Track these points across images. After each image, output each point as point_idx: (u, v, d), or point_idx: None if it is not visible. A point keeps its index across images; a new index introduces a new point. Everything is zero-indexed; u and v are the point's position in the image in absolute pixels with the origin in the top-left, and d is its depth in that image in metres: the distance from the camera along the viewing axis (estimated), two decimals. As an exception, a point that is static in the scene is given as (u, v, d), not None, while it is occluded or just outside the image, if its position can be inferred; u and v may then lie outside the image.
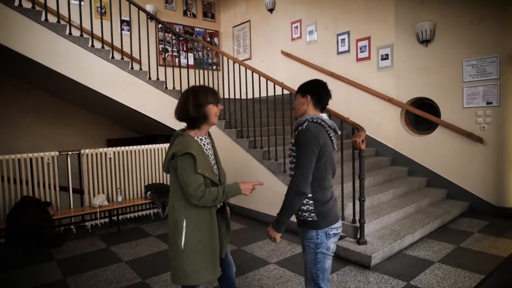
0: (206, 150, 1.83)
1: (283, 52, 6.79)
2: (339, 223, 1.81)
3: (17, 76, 5.73)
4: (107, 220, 4.48)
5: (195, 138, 1.81)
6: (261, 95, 4.58)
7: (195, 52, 7.48)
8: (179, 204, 1.76)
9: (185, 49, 7.23)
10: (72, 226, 4.27)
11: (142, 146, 4.81)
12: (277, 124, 4.31)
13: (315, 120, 1.75)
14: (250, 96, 4.77)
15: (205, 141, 1.86)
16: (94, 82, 4.46)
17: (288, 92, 4.14)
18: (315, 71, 6.10)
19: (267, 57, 7.18)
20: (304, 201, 1.75)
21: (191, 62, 7.04)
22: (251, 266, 3.19)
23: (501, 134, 4.26)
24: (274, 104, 4.40)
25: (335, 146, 1.83)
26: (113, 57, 4.67)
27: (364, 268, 3.06)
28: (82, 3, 4.64)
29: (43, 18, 4.10)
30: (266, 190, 3.93)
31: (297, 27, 6.57)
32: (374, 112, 5.42)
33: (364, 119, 4.92)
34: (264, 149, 4.43)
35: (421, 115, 4.92)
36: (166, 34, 7.22)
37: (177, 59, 6.57)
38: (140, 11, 5.01)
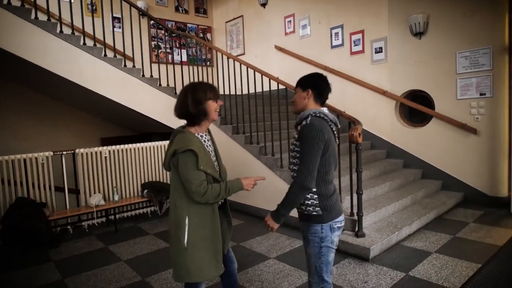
0: (207, 146, 1.82)
1: (276, 47, 6.77)
2: (342, 216, 1.82)
3: (7, 75, 5.63)
4: (104, 219, 4.45)
5: (196, 134, 1.80)
6: (256, 91, 4.56)
7: (188, 49, 7.42)
8: (181, 202, 1.75)
9: (178, 45, 7.16)
10: (68, 227, 4.24)
11: (138, 144, 4.77)
12: (273, 119, 4.30)
13: (318, 115, 1.74)
14: (245, 91, 4.76)
15: (205, 138, 1.85)
16: (87, 80, 4.40)
17: (284, 87, 4.13)
18: (309, 65, 6.09)
19: (261, 52, 7.16)
20: (308, 196, 1.75)
21: (184, 58, 6.98)
22: (251, 261, 3.20)
23: (494, 125, 4.31)
24: (270, 99, 4.39)
25: (337, 140, 1.83)
26: (105, 55, 4.61)
27: (363, 260, 3.08)
28: (73, 0, 4.55)
29: (33, 16, 4.03)
30: (263, 186, 3.91)
31: (290, 21, 6.54)
32: (369, 105, 5.45)
33: (359, 113, 4.93)
34: (261, 144, 4.43)
35: (416, 108, 4.96)
36: (158, 30, 7.15)
37: (170, 56, 6.52)
38: (131, 7, 4.95)
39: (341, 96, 5.64)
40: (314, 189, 1.74)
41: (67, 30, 4.41)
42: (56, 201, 4.19)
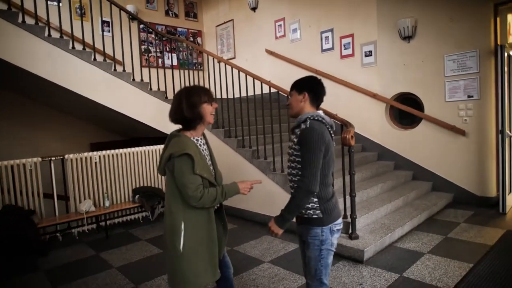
0: (203, 150, 1.81)
1: (267, 51, 6.80)
2: (341, 219, 1.82)
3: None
4: (94, 226, 4.36)
5: (192, 138, 1.78)
6: (248, 94, 4.56)
7: (178, 53, 7.39)
8: (176, 207, 1.72)
9: (168, 49, 7.12)
10: (58, 234, 4.14)
11: (129, 149, 4.70)
12: (265, 122, 4.30)
13: (316, 118, 1.74)
14: (236, 95, 4.75)
15: (201, 142, 1.83)
16: (77, 85, 4.34)
17: (275, 90, 4.14)
18: (300, 69, 6.13)
19: (252, 56, 7.17)
20: None
21: (175, 62, 6.95)
22: (245, 266, 3.17)
23: (482, 126, 4.40)
24: (262, 102, 4.39)
25: (334, 143, 1.83)
26: (95, 59, 4.55)
27: (357, 262, 3.09)
28: (61, 4, 4.49)
29: (20, 20, 3.96)
30: (256, 189, 3.88)
31: (280, 25, 6.58)
32: (359, 108, 5.50)
33: (350, 115, 4.94)
34: (253, 148, 4.42)
35: (405, 110, 5.02)
36: (148, 34, 7.10)
37: (160, 60, 6.47)
38: (121, 11, 4.90)
39: (332, 99, 5.66)
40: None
41: (55, 34, 4.34)
42: (45, 208, 4.09)
